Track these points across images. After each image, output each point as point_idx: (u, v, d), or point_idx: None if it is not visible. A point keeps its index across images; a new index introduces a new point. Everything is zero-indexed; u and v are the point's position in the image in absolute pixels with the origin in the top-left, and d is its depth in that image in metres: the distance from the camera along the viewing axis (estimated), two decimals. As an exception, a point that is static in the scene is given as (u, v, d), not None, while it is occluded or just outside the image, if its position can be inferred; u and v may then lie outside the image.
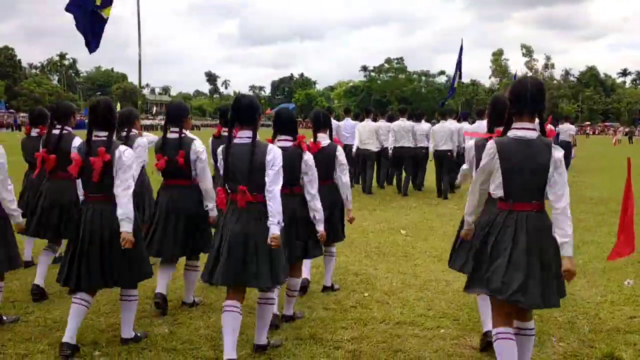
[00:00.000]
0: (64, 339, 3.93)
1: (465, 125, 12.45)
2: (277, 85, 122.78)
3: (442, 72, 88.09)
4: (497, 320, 3.39)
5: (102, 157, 3.89)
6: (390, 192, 12.81)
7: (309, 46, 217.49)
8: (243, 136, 3.86)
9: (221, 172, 3.92)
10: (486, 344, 4.06)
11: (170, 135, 4.77)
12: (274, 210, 3.71)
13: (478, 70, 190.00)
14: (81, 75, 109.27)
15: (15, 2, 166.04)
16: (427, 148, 12.34)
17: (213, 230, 4.35)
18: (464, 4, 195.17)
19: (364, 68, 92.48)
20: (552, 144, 3.30)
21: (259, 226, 3.75)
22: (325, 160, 4.98)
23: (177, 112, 4.85)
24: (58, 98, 73.17)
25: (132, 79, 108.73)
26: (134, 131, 5.59)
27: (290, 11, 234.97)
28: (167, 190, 4.81)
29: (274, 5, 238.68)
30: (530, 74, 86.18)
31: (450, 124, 12.09)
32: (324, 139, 5.09)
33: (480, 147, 3.87)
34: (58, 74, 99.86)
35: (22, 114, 62.53)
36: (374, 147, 12.40)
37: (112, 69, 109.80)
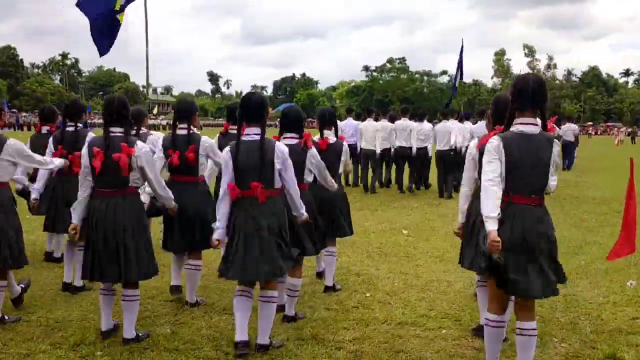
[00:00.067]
0: (103, 328, 4.27)
1: (467, 125, 12.44)
2: (279, 85, 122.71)
3: (444, 72, 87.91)
4: (491, 307, 3.57)
5: (126, 152, 4.01)
6: (391, 192, 12.80)
7: (311, 46, 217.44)
8: (251, 133, 3.95)
9: (229, 168, 3.96)
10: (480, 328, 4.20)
11: (179, 132, 4.87)
12: (298, 203, 4.14)
13: (480, 70, 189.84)
14: (83, 75, 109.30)
15: (15, 2, 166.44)
16: (426, 148, 12.36)
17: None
18: (468, 3, 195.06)
19: (366, 68, 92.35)
20: (554, 140, 3.38)
21: (269, 220, 3.90)
22: (334, 157, 5.12)
23: (187, 108, 4.97)
24: (60, 98, 73.39)
25: (134, 78, 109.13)
26: (143, 129, 5.77)
27: (292, 11, 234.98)
28: (175, 186, 4.84)
29: (276, 5, 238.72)
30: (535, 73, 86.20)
31: (452, 123, 12.10)
32: (330, 136, 5.22)
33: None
34: (60, 73, 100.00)
35: (24, 114, 62.66)
36: (376, 147, 12.44)
37: (114, 69, 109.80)
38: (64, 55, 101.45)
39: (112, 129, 4.12)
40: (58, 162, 5.09)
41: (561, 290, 5.46)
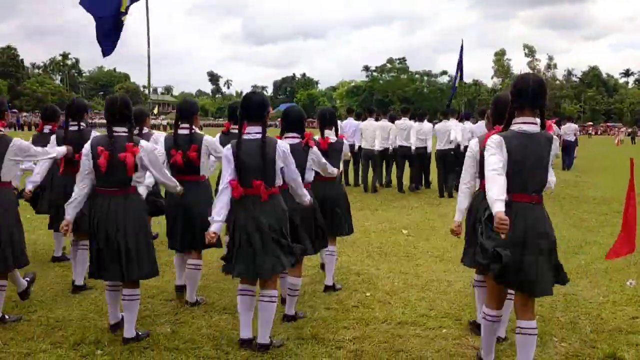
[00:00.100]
0: (111, 322, 4.35)
1: (467, 124, 12.46)
2: (279, 85, 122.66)
3: (444, 72, 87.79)
4: (489, 303, 3.64)
5: (132, 152, 4.05)
6: (392, 192, 12.80)
7: (311, 46, 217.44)
8: (252, 132, 3.99)
9: (232, 165, 3.99)
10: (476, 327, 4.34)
11: (181, 132, 4.92)
12: (302, 192, 4.27)
13: (480, 70, 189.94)
14: (84, 75, 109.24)
15: (15, 1, 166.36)
16: (426, 147, 12.41)
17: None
18: (468, 3, 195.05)
19: (366, 68, 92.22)
20: (553, 138, 3.43)
21: (270, 219, 3.95)
22: (335, 156, 5.17)
23: (188, 108, 5.03)
24: (60, 98, 73.40)
25: (135, 78, 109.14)
26: (146, 129, 5.84)
27: (292, 11, 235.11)
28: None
29: (276, 5, 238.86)
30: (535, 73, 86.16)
31: (453, 123, 12.11)
32: (330, 136, 5.28)
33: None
34: (60, 73, 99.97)
35: (24, 114, 62.64)
36: (377, 147, 12.49)
37: (114, 69, 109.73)
38: (65, 56, 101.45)
39: (116, 128, 4.16)
40: (60, 149, 5.15)
41: (561, 289, 5.49)
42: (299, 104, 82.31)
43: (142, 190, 4.46)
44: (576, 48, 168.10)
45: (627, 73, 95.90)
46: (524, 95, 3.37)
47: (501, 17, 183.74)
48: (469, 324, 4.58)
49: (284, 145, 4.05)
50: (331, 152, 5.17)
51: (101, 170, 4.05)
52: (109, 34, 8.68)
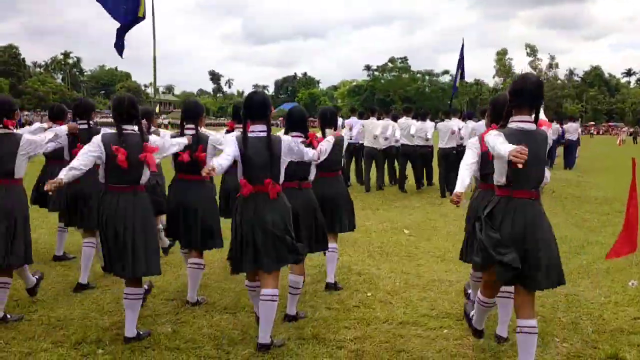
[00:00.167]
0: (126, 334, 4.22)
1: (469, 124, 12.44)
2: (280, 85, 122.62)
3: (446, 72, 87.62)
4: (485, 292, 3.77)
5: (150, 150, 4.17)
6: (393, 191, 12.79)
7: (313, 45, 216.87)
8: (256, 130, 4.07)
9: (235, 148, 4.03)
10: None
11: (187, 132, 4.99)
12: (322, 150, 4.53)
13: (481, 70, 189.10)
14: (85, 74, 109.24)
15: (16, 1, 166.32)
16: (431, 147, 12.51)
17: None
18: (468, 3, 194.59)
19: (368, 67, 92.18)
20: (547, 135, 3.53)
21: (274, 215, 4.03)
22: (336, 153, 5.19)
23: (194, 110, 5.10)
24: (62, 97, 73.42)
25: (136, 77, 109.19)
26: (152, 128, 5.95)
27: (293, 10, 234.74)
28: (181, 184, 4.99)
29: (278, 5, 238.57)
30: (534, 73, 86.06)
31: (455, 122, 12.10)
32: (331, 135, 5.25)
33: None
34: (62, 72, 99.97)
35: (26, 112, 62.66)
36: (379, 145, 12.52)
37: (116, 68, 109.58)
38: (66, 54, 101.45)
39: (125, 126, 4.23)
40: (62, 128, 5.27)
41: (563, 290, 5.48)
42: (300, 103, 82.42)
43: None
44: (577, 48, 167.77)
45: (629, 73, 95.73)
46: (523, 95, 3.47)
47: (501, 17, 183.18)
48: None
49: (288, 140, 4.15)
50: (332, 150, 5.17)
51: (122, 168, 4.10)
52: (121, 35, 8.86)
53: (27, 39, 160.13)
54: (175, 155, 4.89)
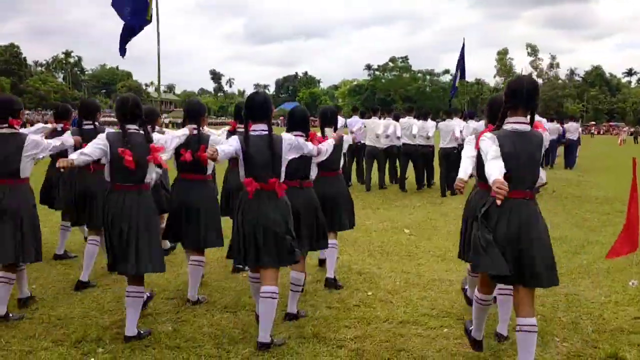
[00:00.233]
0: (126, 333, 4.20)
1: (471, 123, 12.44)
2: (281, 84, 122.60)
3: (446, 71, 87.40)
4: (482, 289, 3.79)
5: (157, 150, 4.22)
6: (394, 190, 12.79)
7: (313, 45, 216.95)
8: (258, 129, 4.12)
9: (237, 145, 4.08)
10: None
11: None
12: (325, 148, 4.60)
13: (482, 70, 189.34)
14: (86, 73, 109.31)
15: (17, 0, 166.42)
16: (432, 146, 12.54)
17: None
18: (469, 2, 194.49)
19: (368, 67, 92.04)
20: (543, 136, 3.57)
21: (275, 214, 4.08)
22: (336, 153, 5.21)
23: (196, 110, 5.13)
24: (63, 96, 73.45)
25: (137, 77, 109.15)
26: (157, 128, 6.01)
27: (294, 10, 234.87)
28: (183, 184, 5.03)
29: (279, 4, 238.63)
30: (535, 73, 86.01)
31: (456, 122, 12.10)
32: (331, 134, 5.35)
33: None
34: (63, 71, 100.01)
35: (27, 112, 62.67)
36: (381, 145, 12.56)
37: (117, 67, 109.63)
38: (67, 54, 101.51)
39: (128, 126, 4.26)
40: (68, 140, 5.26)
41: (563, 289, 5.49)
42: (301, 103, 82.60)
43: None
44: (579, 48, 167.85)
45: (630, 72, 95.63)
46: (518, 96, 3.52)
47: (503, 17, 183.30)
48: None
49: (289, 138, 4.19)
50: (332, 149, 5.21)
51: (126, 169, 4.14)
52: (125, 37, 8.99)
53: (29, 38, 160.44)
54: (178, 155, 4.89)
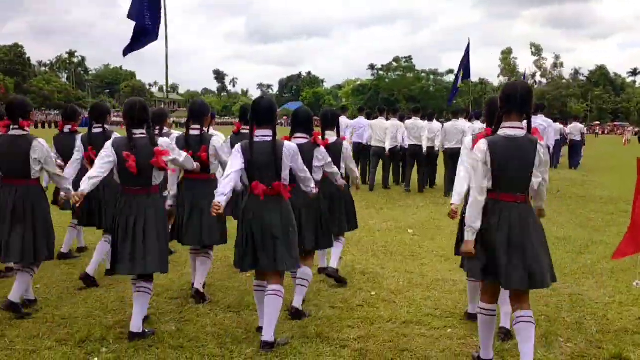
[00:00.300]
0: (131, 329, 4.22)
1: (476, 124, 12.42)
2: (285, 84, 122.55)
3: (450, 71, 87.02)
4: (483, 297, 3.78)
5: (161, 154, 4.24)
6: (397, 190, 12.79)
7: (317, 44, 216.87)
8: (261, 134, 4.15)
9: (241, 160, 4.11)
10: (468, 317, 4.66)
11: (192, 132, 5.10)
12: (310, 183, 4.42)
13: (486, 69, 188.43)
14: (90, 73, 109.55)
15: (21, 0, 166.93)
16: (434, 147, 12.52)
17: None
18: (473, 2, 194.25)
19: (372, 66, 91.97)
20: (538, 141, 3.60)
21: (281, 215, 4.12)
22: (334, 155, 5.21)
23: (200, 110, 5.19)
24: (67, 96, 73.67)
25: (140, 76, 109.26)
26: (166, 129, 6.08)
27: (297, 9, 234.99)
28: (188, 184, 5.09)
29: (282, 3, 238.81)
30: (539, 73, 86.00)
31: (462, 123, 12.08)
32: (331, 136, 5.40)
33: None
34: (67, 71, 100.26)
35: (31, 112, 62.81)
36: (386, 145, 12.57)
37: (120, 67, 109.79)
38: (71, 54, 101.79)
39: (135, 131, 4.30)
40: (69, 176, 5.17)
41: (567, 289, 5.48)
42: (304, 103, 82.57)
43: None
44: (582, 47, 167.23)
45: (634, 72, 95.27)
46: (512, 102, 3.58)
47: (506, 16, 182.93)
48: (465, 314, 4.73)
49: (290, 146, 4.20)
50: (330, 152, 5.18)
51: (131, 173, 4.19)
52: (134, 41, 9.11)
53: (33, 38, 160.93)
54: None
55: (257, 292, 4.34)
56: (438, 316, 4.81)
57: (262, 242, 4.08)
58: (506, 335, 4.27)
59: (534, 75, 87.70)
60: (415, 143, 12.43)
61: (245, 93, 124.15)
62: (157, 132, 5.70)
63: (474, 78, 78.44)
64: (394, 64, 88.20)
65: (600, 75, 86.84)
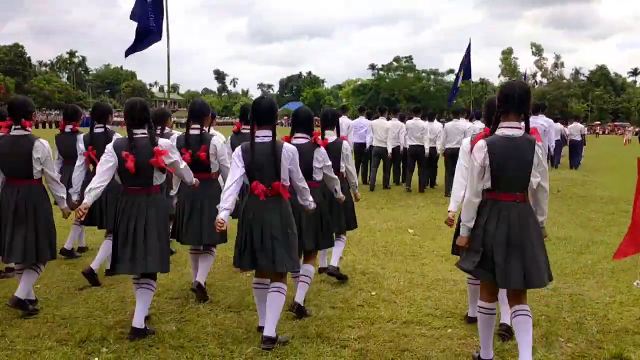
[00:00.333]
0: (133, 325, 4.26)
1: (477, 124, 12.41)
2: (285, 84, 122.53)
3: (451, 71, 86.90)
4: (483, 296, 3.80)
5: (160, 154, 4.25)
6: (398, 190, 12.79)
7: (318, 45, 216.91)
8: (261, 135, 4.16)
9: (241, 164, 4.14)
10: (468, 320, 4.62)
11: (192, 132, 5.12)
12: (308, 196, 4.36)
13: (486, 69, 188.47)
14: (90, 73, 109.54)
15: (21, 0, 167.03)
16: (435, 147, 12.53)
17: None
18: (474, 2, 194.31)
19: (372, 66, 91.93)
20: (536, 141, 3.63)
21: (281, 216, 4.13)
22: (333, 154, 5.23)
23: (200, 110, 5.22)
24: (67, 96, 73.68)
25: (141, 77, 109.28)
26: (167, 129, 6.10)
27: (298, 10, 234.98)
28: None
29: (282, 4, 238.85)
30: (539, 73, 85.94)
31: (463, 123, 12.08)
32: (331, 136, 5.42)
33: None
34: (67, 71, 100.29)
35: (32, 112, 62.82)
36: (388, 145, 12.60)
37: (121, 67, 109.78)
38: (72, 54, 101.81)
39: (135, 130, 4.32)
40: (61, 194, 5.00)
41: (567, 289, 5.48)
42: (305, 103, 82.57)
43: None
44: (583, 47, 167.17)
45: (635, 72, 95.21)
46: (510, 102, 3.61)
47: (507, 17, 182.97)
48: (465, 317, 4.72)
49: (289, 148, 4.19)
50: (329, 151, 5.18)
51: (130, 172, 4.21)
52: (138, 42, 9.16)
53: (33, 38, 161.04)
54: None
55: (257, 290, 4.35)
56: (438, 316, 4.81)
57: (261, 243, 4.09)
58: (506, 331, 4.27)
59: (534, 76, 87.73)
60: (416, 143, 12.44)
61: (245, 93, 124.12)
62: (158, 132, 5.72)
63: (475, 78, 78.48)
64: (395, 63, 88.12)
65: (601, 75, 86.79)
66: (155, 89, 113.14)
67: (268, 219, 4.09)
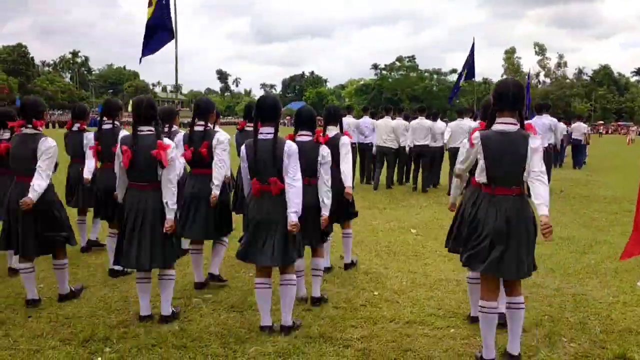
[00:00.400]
0: (141, 313, 4.55)
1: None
2: (288, 83, 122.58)
3: (453, 71, 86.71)
4: (484, 295, 3.85)
5: (163, 148, 4.32)
6: (400, 190, 12.77)
7: (320, 44, 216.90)
8: (264, 132, 4.28)
9: (245, 164, 4.34)
10: (471, 320, 4.63)
11: (196, 128, 5.23)
12: (294, 202, 4.19)
13: (489, 69, 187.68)
14: (93, 73, 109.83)
15: (24, 0, 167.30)
16: (442, 146, 12.58)
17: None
18: (477, 2, 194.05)
19: (375, 66, 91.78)
20: (530, 135, 3.70)
21: (279, 213, 4.23)
22: (331, 149, 5.23)
23: (205, 107, 5.34)
24: (70, 96, 73.81)
25: (144, 77, 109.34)
26: (175, 127, 6.23)
27: (300, 9, 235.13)
28: (193, 178, 5.29)
29: (284, 3, 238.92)
30: (542, 72, 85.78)
31: (467, 122, 12.07)
32: (332, 131, 5.59)
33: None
34: (70, 71, 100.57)
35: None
36: (393, 145, 12.62)
37: (124, 67, 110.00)
38: (75, 54, 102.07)
39: (141, 127, 4.42)
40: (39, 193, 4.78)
41: (570, 289, 5.47)
42: (307, 102, 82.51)
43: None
44: (586, 47, 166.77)
45: (638, 72, 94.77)
46: (505, 99, 3.72)
47: (510, 16, 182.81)
48: (468, 317, 4.75)
49: (291, 146, 4.28)
50: (329, 145, 5.18)
51: (131, 168, 4.36)
52: (150, 44, 9.29)
53: (36, 38, 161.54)
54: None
55: (259, 290, 4.41)
56: (441, 316, 4.81)
57: (264, 238, 4.22)
58: (501, 317, 4.27)
59: (537, 75, 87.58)
60: (421, 143, 12.44)
61: (248, 93, 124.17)
62: (166, 129, 5.85)
63: (478, 78, 78.21)
64: (397, 63, 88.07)
65: (604, 74, 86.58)
66: (158, 89, 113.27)
67: (271, 215, 4.22)
